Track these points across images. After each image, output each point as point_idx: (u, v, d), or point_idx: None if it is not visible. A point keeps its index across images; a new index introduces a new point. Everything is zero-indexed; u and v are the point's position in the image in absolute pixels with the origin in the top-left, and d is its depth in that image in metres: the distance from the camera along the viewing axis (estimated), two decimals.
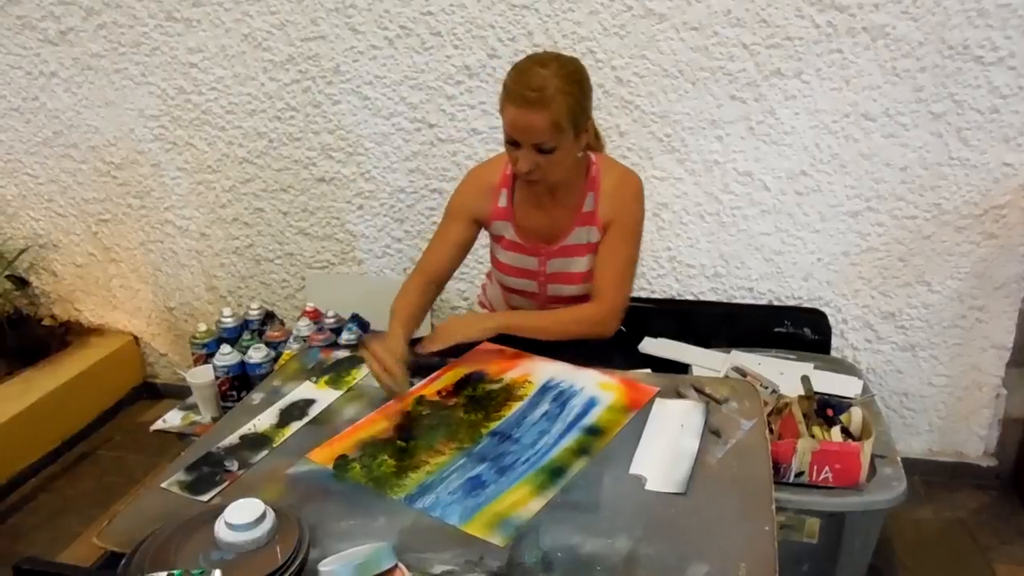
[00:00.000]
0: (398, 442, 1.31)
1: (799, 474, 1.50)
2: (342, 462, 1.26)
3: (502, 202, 1.67)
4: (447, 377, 1.50)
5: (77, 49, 2.41)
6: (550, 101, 1.42)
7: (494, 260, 1.76)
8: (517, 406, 1.39)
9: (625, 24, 2.02)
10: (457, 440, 1.31)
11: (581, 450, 1.26)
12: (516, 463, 1.24)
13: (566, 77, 1.45)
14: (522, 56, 2.05)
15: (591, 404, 1.38)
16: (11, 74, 2.51)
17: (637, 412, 1.36)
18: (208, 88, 2.37)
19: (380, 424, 1.37)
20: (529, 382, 1.46)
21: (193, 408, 1.99)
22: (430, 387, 1.47)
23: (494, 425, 1.34)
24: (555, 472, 1.21)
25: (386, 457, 1.27)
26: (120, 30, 2.35)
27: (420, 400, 1.43)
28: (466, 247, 1.70)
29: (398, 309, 1.61)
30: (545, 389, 1.43)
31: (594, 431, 1.31)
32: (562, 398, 1.40)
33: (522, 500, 1.15)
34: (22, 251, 2.73)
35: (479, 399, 1.42)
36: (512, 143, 1.50)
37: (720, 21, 1.97)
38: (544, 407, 1.38)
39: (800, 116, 2.01)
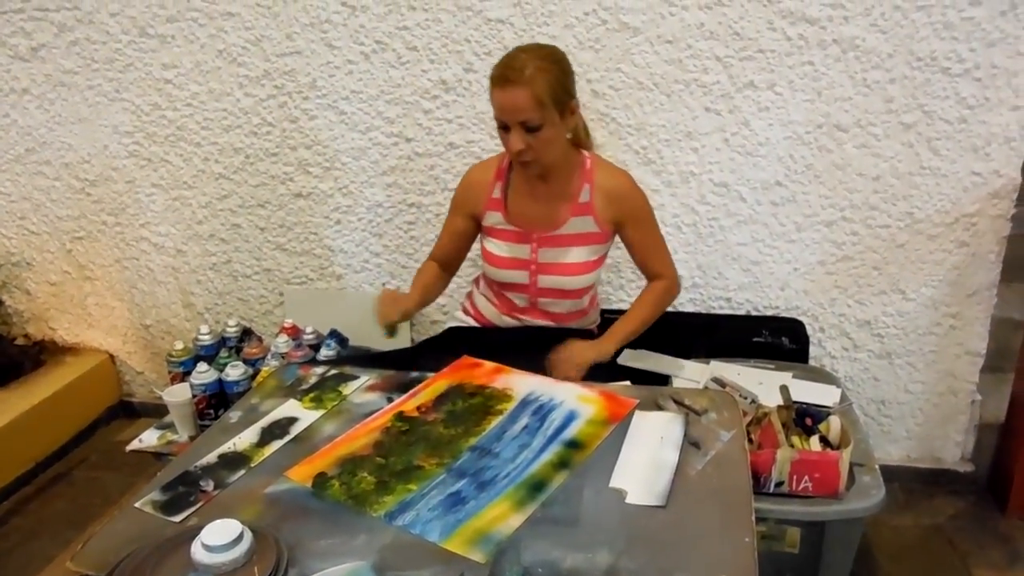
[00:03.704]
0: (377, 458, 1.30)
1: (779, 484, 1.50)
2: (321, 480, 1.25)
3: (496, 194, 1.76)
4: (427, 393, 1.49)
5: (49, 65, 2.39)
6: (530, 78, 1.52)
7: (485, 255, 1.80)
8: (497, 420, 1.39)
9: (600, 38, 2.03)
10: (437, 456, 1.30)
11: (561, 464, 1.26)
12: (496, 478, 1.23)
13: (544, 57, 1.57)
14: None
15: (571, 417, 1.38)
16: None
17: (617, 425, 1.36)
18: (183, 104, 2.35)
19: (359, 441, 1.36)
20: (509, 396, 1.46)
21: (170, 427, 1.97)
22: (410, 402, 1.46)
23: (474, 440, 1.33)
24: (535, 487, 1.20)
25: (365, 474, 1.26)
26: (93, 46, 2.33)
27: (399, 416, 1.42)
28: (468, 237, 1.84)
29: (416, 281, 1.82)
30: (525, 403, 1.43)
31: (574, 445, 1.31)
32: (542, 411, 1.40)
33: (502, 516, 1.14)
34: None
35: (458, 414, 1.41)
36: (503, 128, 1.59)
37: (693, 34, 1.99)
38: (524, 420, 1.38)
39: (774, 127, 2.04)
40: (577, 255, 1.73)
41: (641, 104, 2.08)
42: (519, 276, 1.76)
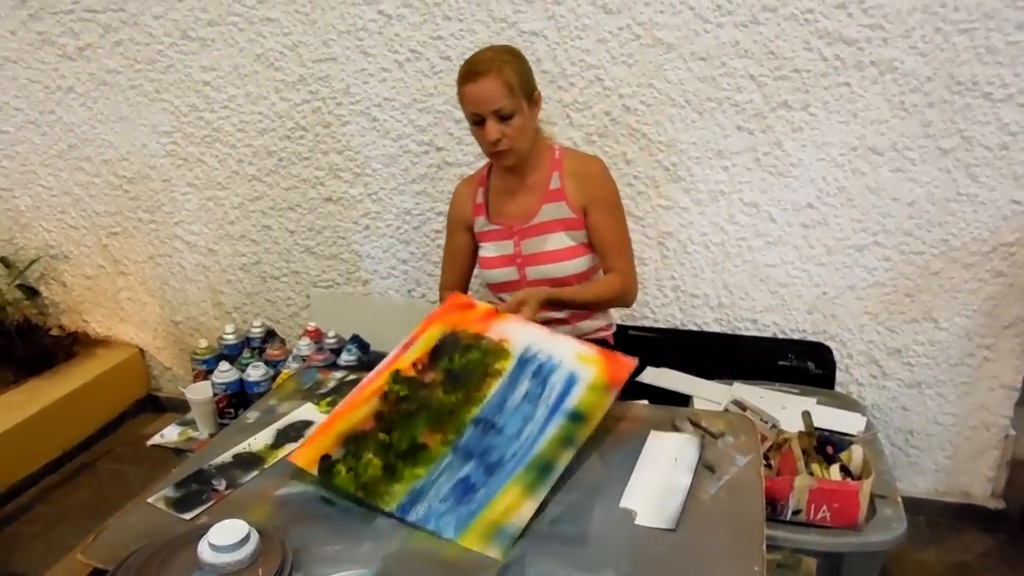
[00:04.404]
0: (380, 435, 1.29)
1: (796, 512, 1.47)
2: (326, 465, 1.24)
3: (479, 199, 1.85)
4: (423, 341, 1.45)
5: (94, 65, 2.45)
6: (498, 68, 1.62)
7: (480, 262, 1.88)
8: (496, 384, 1.35)
9: (633, 53, 2.03)
10: (441, 431, 1.28)
11: (567, 440, 1.25)
12: (503, 459, 1.22)
13: (504, 51, 1.68)
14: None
15: (571, 382, 1.34)
16: (30, 88, 2.55)
17: (618, 390, 1.34)
18: (220, 106, 2.40)
19: (359, 411, 1.33)
20: (506, 350, 1.41)
21: (191, 424, 2.00)
22: (405, 356, 1.43)
23: (476, 411, 1.31)
24: (543, 469, 1.20)
25: (371, 456, 1.25)
26: (136, 47, 2.39)
27: (396, 377, 1.39)
28: (469, 254, 1.91)
29: None
30: (523, 362, 1.39)
31: (577, 417, 1.29)
32: (542, 374, 1.36)
33: (514, 504, 1.14)
34: (33, 261, 2.77)
35: (457, 375, 1.38)
36: (476, 123, 1.67)
37: (728, 52, 1.97)
38: (524, 386, 1.34)
39: (807, 148, 2.01)
40: (556, 241, 1.76)
41: (672, 121, 2.07)
42: (509, 273, 1.81)
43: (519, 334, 1.45)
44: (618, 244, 1.79)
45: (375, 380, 1.40)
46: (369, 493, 1.19)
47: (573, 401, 1.31)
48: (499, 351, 1.42)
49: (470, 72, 1.64)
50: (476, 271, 1.95)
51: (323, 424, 1.33)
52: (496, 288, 1.87)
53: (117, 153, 2.56)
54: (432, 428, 1.29)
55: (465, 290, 1.97)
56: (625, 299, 1.83)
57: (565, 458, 1.22)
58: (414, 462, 1.24)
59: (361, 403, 1.35)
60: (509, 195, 1.82)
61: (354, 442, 1.28)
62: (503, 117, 1.64)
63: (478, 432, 1.28)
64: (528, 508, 1.13)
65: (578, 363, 1.38)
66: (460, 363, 1.40)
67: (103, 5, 2.36)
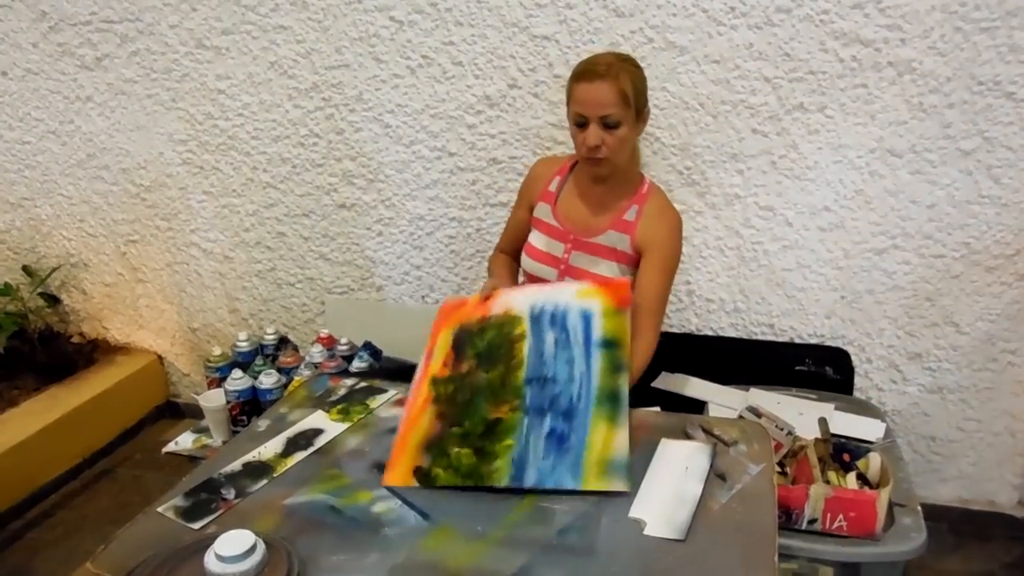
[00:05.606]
0: (453, 429, 1.31)
1: (812, 521, 1.45)
2: (422, 474, 1.26)
3: (552, 187, 1.81)
4: (440, 347, 1.49)
5: (111, 75, 2.48)
6: (617, 73, 1.58)
7: (525, 246, 1.84)
8: (526, 345, 1.41)
9: (646, 56, 2.01)
10: (504, 401, 1.33)
11: (614, 367, 1.32)
12: (572, 403, 1.29)
13: (627, 59, 1.65)
14: (543, 86, 2.10)
15: (587, 316, 1.41)
16: (50, 98, 2.58)
17: (629, 307, 1.41)
18: (235, 114, 2.41)
19: (421, 422, 1.36)
20: (516, 316, 1.47)
21: (206, 431, 2.01)
22: (432, 364, 1.46)
23: (522, 373, 1.36)
24: (611, 398, 1.28)
25: (457, 449, 1.28)
26: (152, 57, 2.41)
27: (436, 381, 1.42)
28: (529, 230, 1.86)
29: (496, 268, 1.92)
30: (536, 319, 1.45)
31: (610, 344, 1.35)
32: (557, 322, 1.43)
33: (607, 439, 1.23)
34: (54, 269, 2.80)
35: (487, 355, 1.42)
36: (579, 124, 1.62)
37: (742, 54, 1.95)
38: (550, 336, 1.41)
39: (823, 151, 1.98)
40: (606, 268, 1.72)
41: (686, 124, 2.05)
42: (548, 272, 1.78)
43: (518, 299, 1.52)
44: (656, 305, 1.69)
45: (418, 395, 1.43)
46: (476, 479, 1.22)
47: (599, 332, 1.38)
48: (511, 319, 1.47)
49: (587, 72, 1.59)
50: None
51: (398, 443, 1.35)
52: (530, 278, 1.83)
53: (134, 162, 2.59)
54: (493, 404, 1.33)
55: (518, 259, 1.90)
56: (645, 367, 1.71)
57: (623, 382, 1.29)
58: (498, 437, 1.27)
59: (418, 416, 1.38)
60: (581, 200, 1.77)
61: (436, 445, 1.31)
62: (608, 125, 1.59)
63: (536, 389, 1.33)
64: (621, 438, 1.21)
65: (583, 299, 1.45)
66: (484, 344, 1.45)
67: (120, 15, 2.39)
